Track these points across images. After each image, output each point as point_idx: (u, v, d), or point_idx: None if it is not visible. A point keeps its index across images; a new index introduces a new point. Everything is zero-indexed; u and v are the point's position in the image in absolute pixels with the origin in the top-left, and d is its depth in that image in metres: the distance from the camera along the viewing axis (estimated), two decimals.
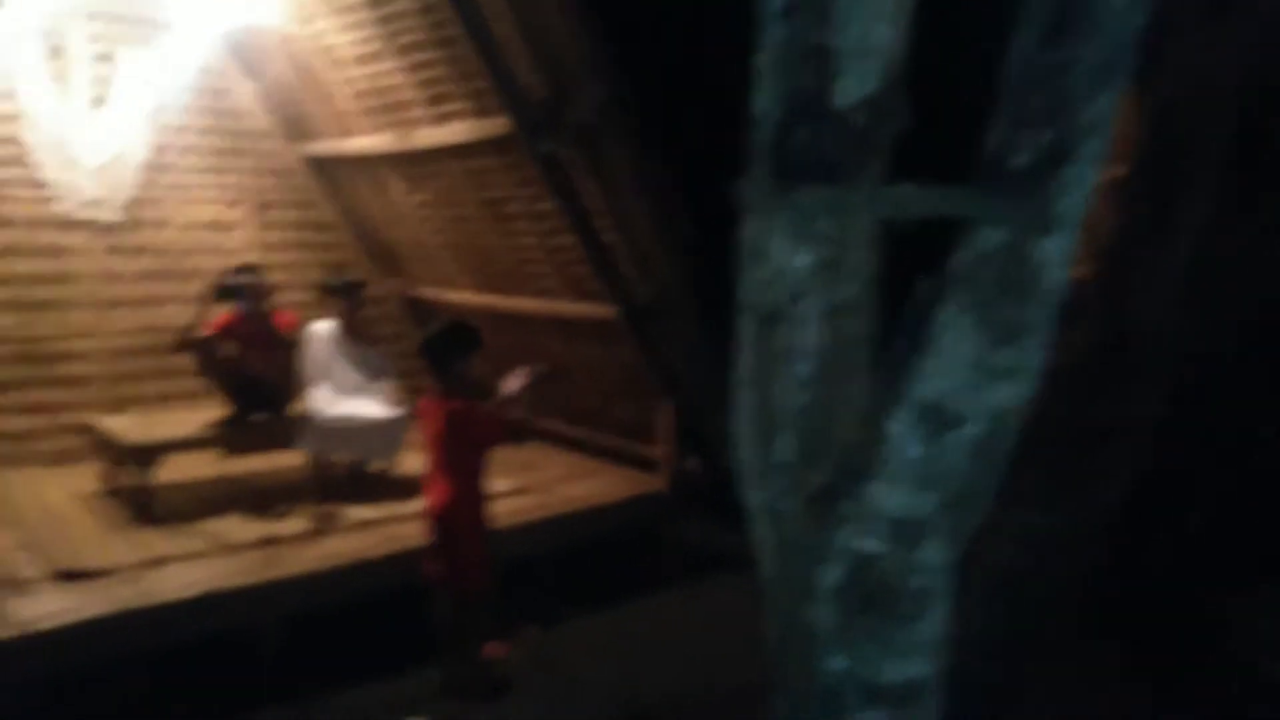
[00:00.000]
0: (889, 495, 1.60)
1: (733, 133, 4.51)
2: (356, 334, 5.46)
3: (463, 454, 3.87)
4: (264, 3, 5.58)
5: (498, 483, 5.18)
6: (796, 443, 1.61)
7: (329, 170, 6.80)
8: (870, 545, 1.64)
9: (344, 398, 5.30)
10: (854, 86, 1.52)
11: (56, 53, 5.80)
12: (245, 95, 6.57)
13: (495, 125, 5.04)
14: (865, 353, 1.60)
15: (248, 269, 5.38)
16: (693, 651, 4.56)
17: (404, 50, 5.26)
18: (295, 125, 6.68)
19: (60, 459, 5.97)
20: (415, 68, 5.31)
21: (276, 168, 6.77)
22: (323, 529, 4.76)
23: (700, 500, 5.69)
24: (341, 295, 5.46)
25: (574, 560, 5.38)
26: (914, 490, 1.60)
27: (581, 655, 4.51)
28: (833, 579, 1.68)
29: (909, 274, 1.70)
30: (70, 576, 3.97)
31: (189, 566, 4.21)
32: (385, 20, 5.20)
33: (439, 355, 3.84)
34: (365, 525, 4.85)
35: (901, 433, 1.57)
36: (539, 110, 4.67)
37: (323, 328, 5.41)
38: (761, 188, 1.57)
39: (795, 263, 1.53)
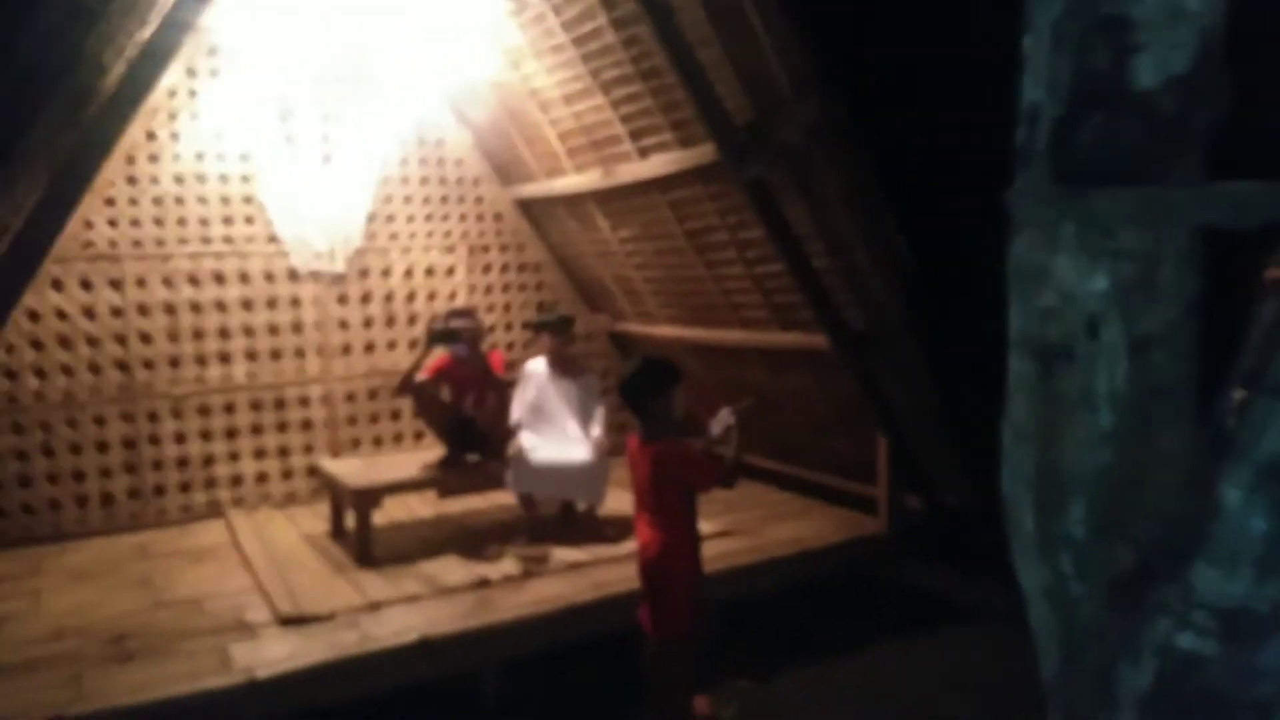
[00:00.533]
0: (1221, 581, 1.24)
1: (951, 142, 4.14)
2: (566, 369, 5.43)
3: (671, 496, 3.68)
4: (477, 54, 5.71)
5: (703, 524, 5.02)
6: (1094, 512, 1.28)
7: (537, 211, 6.89)
8: (1194, 643, 1.28)
9: (551, 437, 5.26)
10: (1160, 63, 1.21)
11: (286, 115, 6.19)
12: (460, 144, 6.77)
13: (699, 154, 4.90)
14: (1186, 397, 1.26)
15: (462, 313, 5.47)
16: (914, 710, 4.15)
17: (607, 86, 5.23)
18: (506, 170, 6.82)
19: (289, 501, 6.29)
20: (618, 103, 5.26)
21: (489, 212, 6.93)
22: (533, 571, 4.70)
23: (921, 543, 5.25)
24: (550, 330, 5.45)
25: (785, 606, 5.07)
26: (1255, 575, 1.24)
27: (794, 711, 4.20)
28: (1141, 683, 1.33)
29: (1231, 292, 1.35)
30: (293, 622, 4.08)
31: (406, 611, 4.24)
32: (589, 57, 5.19)
33: (637, 395, 3.68)
34: (575, 568, 4.76)
35: (1239, 501, 1.21)
36: (745, 134, 4.47)
37: (535, 365, 5.42)
38: (1038, 196, 1.27)
39: (1089, 286, 1.22)
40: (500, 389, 5.38)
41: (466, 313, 5.50)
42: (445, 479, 5.27)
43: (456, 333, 5.32)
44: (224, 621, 4.19)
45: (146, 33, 3.70)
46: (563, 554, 4.92)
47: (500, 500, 5.75)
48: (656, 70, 4.82)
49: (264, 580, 4.63)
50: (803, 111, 4.21)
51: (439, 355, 5.36)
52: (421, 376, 5.25)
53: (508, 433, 5.40)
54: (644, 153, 5.38)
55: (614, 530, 5.14)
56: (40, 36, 2.99)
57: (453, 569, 4.77)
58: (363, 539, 4.97)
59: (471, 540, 5.23)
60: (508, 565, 4.79)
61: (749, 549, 5.03)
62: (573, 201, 6.35)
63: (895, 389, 5.01)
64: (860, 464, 5.52)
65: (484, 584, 4.55)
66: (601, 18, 4.89)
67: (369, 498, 4.98)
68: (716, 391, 6.27)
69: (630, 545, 3.94)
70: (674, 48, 4.35)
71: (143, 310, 5.88)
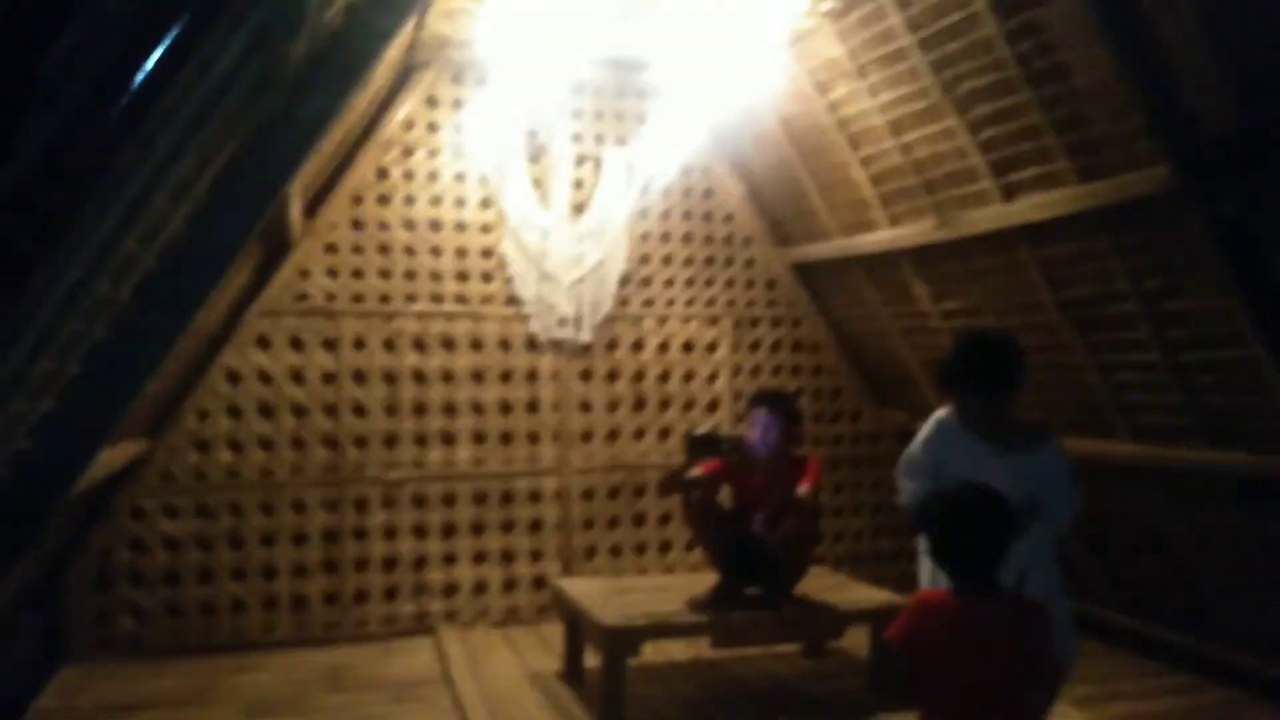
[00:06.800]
0: None
1: None
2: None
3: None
4: (764, 78, 4.54)
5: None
6: None
7: (822, 278, 5.57)
8: None
9: None
10: None
11: (537, 156, 5.21)
12: (730, 195, 5.58)
13: (1113, 188, 3.43)
14: None
15: (769, 398, 4.17)
16: None
17: (968, 101, 3.87)
18: (785, 226, 5.57)
19: (510, 619, 5.08)
20: (982, 123, 3.88)
21: (761, 278, 5.66)
22: None
23: None
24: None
25: None
26: None
27: None
28: None
29: None
30: None
31: None
32: (945, 63, 3.87)
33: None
34: None
35: None
36: (1223, 152, 2.98)
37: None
38: None
39: None
40: (802, 511, 3.98)
41: (775, 399, 4.19)
42: (728, 623, 3.88)
43: (719, 443, 4.02)
44: None
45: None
46: None
47: (789, 656, 4.36)
48: (1061, 69, 3.43)
49: None
50: None
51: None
52: (696, 473, 3.95)
53: (806, 563, 4.01)
54: (1009, 192, 3.96)
55: None
56: None
57: None
58: (612, 697, 3.64)
59: (753, 708, 3.81)
60: None
61: None
62: (879, 263, 4.98)
63: None
64: None
65: None
66: (978, 2, 3.57)
67: (625, 640, 3.66)
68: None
69: None
70: (1119, 25, 2.96)
71: (360, 377, 4.92)
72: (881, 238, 4.79)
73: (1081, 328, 4.04)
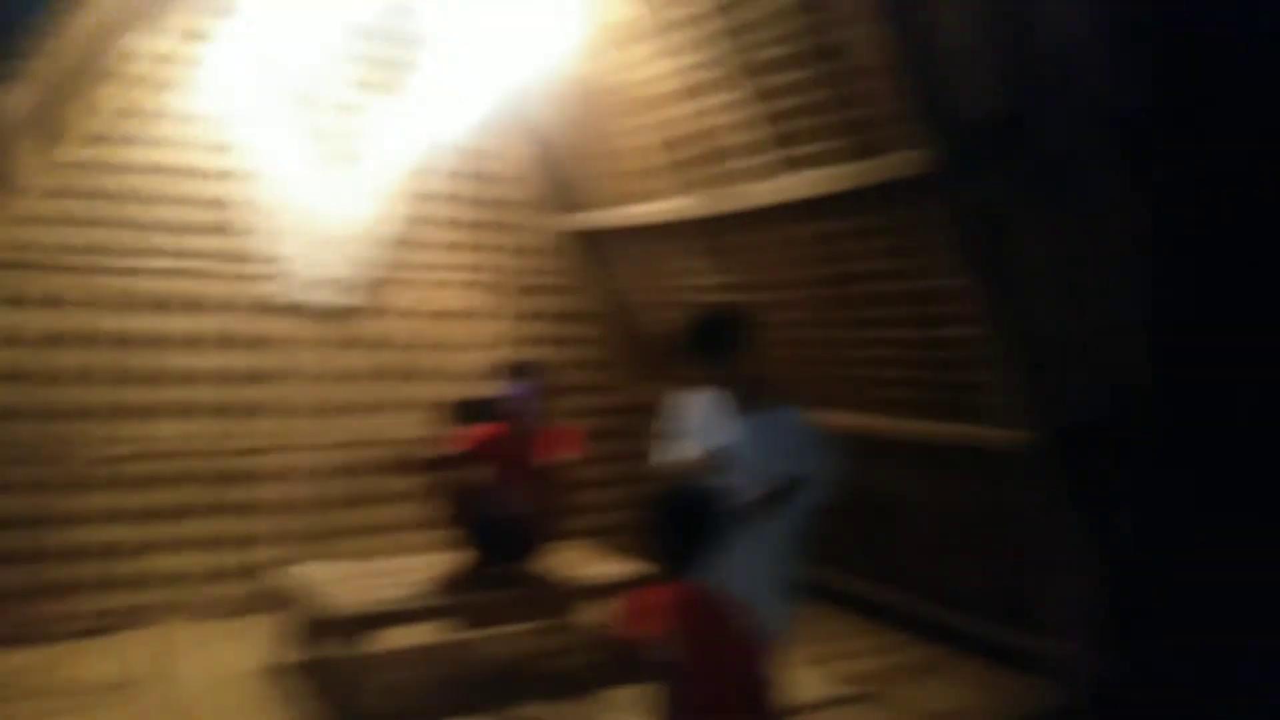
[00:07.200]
0: None
1: None
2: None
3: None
4: (556, 34, 4.43)
5: (816, 685, 3.72)
6: None
7: (605, 247, 5.53)
8: None
9: None
10: None
11: (299, 101, 4.80)
12: (519, 157, 5.42)
13: (891, 165, 3.58)
14: None
15: (526, 367, 4.05)
16: None
17: (760, 70, 3.93)
18: (572, 192, 5.47)
19: (245, 609, 4.62)
20: (773, 94, 3.95)
21: (547, 245, 5.53)
22: None
23: None
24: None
25: None
26: None
27: None
28: None
29: None
30: None
31: None
32: (742, 30, 3.90)
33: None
34: None
35: None
36: (984, 135, 3.16)
37: None
38: None
39: None
40: (559, 483, 3.94)
41: (531, 368, 4.08)
42: (482, 602, 3.74)
43: (485, 404, 3.92)
44: None
45: None
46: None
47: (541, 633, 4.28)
48: (843, 46, 3.53)
49: None
50: (1102, 104, 2.93)
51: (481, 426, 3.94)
52: (447, 448, 3.82)
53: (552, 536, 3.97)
54: (794, 165, 4.06)
55: None
56: None
57: None
58: (347, 688, 3.42)
59: (496, 687, 3.68)
60: None
61: None
62: (664, 233, 5.00)
63: (1110, 506, 3.63)
64: (1001, 599, 4.13)
65: None
66: None
67: (359, 627, 3.41)
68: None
69: None
70: (896, 6, 3.09)
71: (85, 342, 4.41)
72: (663, 207, 4.80)
73: (849, 303, 4.21)
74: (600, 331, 5.69)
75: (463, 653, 4.15)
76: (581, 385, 5.53)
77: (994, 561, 4.17)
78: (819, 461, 2.97)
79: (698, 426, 3.01)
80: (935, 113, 3.23)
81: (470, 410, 4.13)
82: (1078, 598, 3.79)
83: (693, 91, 4.30)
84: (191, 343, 4.64)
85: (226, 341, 4.72)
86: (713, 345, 2.98)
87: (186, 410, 4.64)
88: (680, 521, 2.34)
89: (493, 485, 3.96)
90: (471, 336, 5.29)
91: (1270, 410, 3.42)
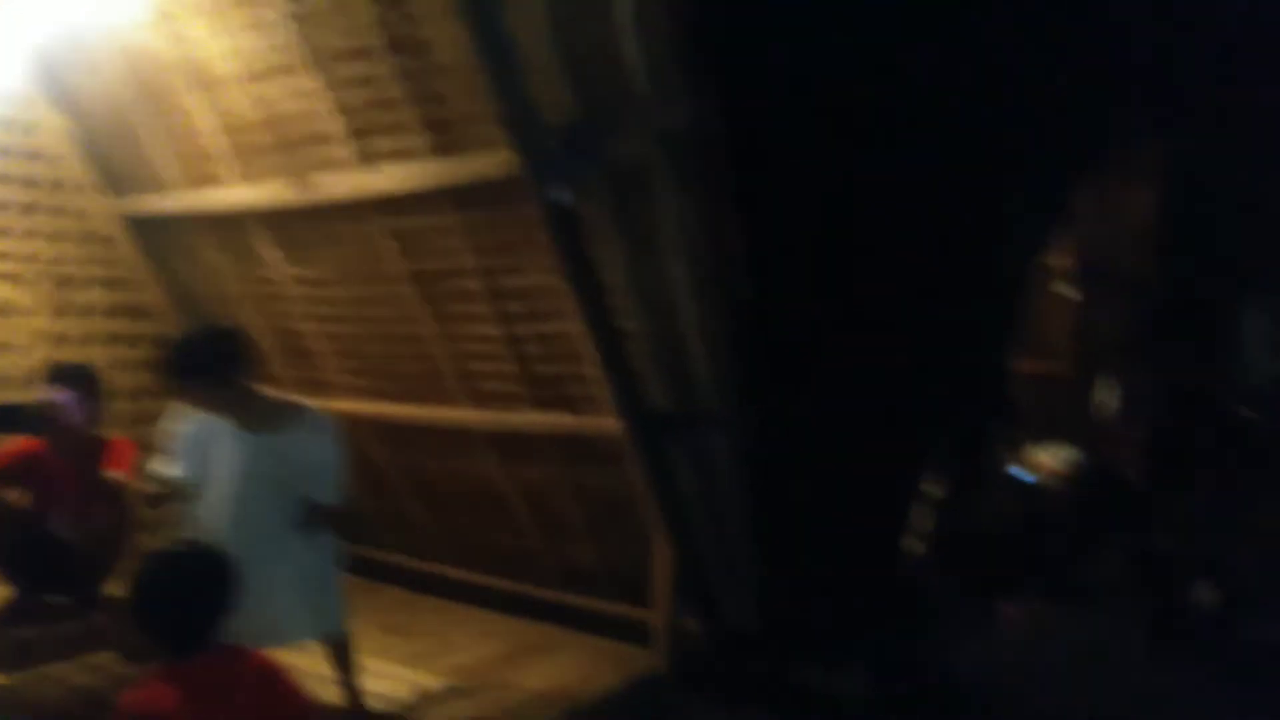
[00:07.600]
0: None
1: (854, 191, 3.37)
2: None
3: None
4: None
5: (421, 679, 3.82)
6: None
7: (163, 236, 5.01)
8: None
9: None
10: None
11: None
12: (55, 132, 4.73)
13: (467, 166, 3.64)
14: None
15: (69, 372, 3.59)
16: None
17: (329, 59, 3.77)
18: (124, 174, 4.87)
19: None
20: (343, 84, 3.82)
21: (95, 232, 4.89)
22: None
23: (711, 679, 4.26)
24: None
25: None
26: None
27: None
28: None
29: None
30: None
31: None
32: (303, 19, 3.71)
33: None
34: None
35: None
36: (560, 141, 3.32)
37: None
38: None
39: None
40: (114, 499, 3.56)
41: (76, 373, 3.63)
42: (18, 643, 3.27)
43: (19, 411, 3.48)
44: None
45: None
46: None
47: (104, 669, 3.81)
48: (421, 43, 3.51)
49: None
50: (661, 117, 3.19)
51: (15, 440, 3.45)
52: None
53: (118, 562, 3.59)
54: (369, 159, 3.96)
55: None
56: None
57: None
58: None
59: None
60: None
61: (494, 709, 3.72)
62: (227, 223, 4.64)
63: (692, 486, 4.04)
64: (608, 576, 4.46)
65: None
66: None
67: None
68: (401, 481, 4.91)
69: None
70: (476, 7, 3.13)
71: None
72: (230, 195, 4.45)
73: (432, 300, 4.22)
74: (161, 330, 5.16)
75: (15, 699, 3.60)
76: (137, 389, 4.97)
77: (606, 542, 4.42)
78: (335, 471, 3.11)
79: (179, 451, 3.01)
80: (516, 116, 3.32)
81: (3, 421, 3.58)
82: (670, 570, 4.15)
83: (255, 75, 4.03)
84: None
85: None
86: (197, 369, 2.92)
87: None
88: (181, 594, 2.11)
89: (29, 508, 3.48)
90: (22, 335, 4.58)
91: (833, 390, 3.99)
